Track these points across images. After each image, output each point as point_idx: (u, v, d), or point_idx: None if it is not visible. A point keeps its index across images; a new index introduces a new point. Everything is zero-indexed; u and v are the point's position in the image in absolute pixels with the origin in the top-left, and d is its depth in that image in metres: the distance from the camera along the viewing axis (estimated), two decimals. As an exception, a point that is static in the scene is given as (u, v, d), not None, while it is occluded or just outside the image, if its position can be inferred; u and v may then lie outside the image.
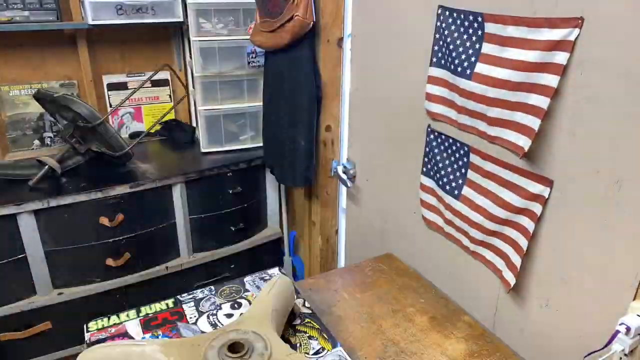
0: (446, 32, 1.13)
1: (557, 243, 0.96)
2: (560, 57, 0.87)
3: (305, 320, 1.06)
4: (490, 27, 1.00)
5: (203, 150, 2.09)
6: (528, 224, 1.01)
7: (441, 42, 1.15)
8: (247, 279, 1.20)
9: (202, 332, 1.01)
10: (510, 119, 0.98)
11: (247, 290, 1.16)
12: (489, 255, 1.14)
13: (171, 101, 2.32)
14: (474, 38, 1.04)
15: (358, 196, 1.71)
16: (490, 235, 1.11)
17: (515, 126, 0.98)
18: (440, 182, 1.24)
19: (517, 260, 1.04)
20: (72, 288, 1.83)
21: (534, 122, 0.93)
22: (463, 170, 1.17)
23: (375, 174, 1.59)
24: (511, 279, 1.05)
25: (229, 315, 1.07)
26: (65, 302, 1.82)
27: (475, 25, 1.04)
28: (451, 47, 1.11)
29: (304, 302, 1.12)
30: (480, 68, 1.03)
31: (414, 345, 1.05)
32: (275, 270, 1.23)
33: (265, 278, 1.21)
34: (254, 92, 2.06)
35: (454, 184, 1.20)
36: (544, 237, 0.99)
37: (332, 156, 1.79)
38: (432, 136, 1.26)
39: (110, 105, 2.21)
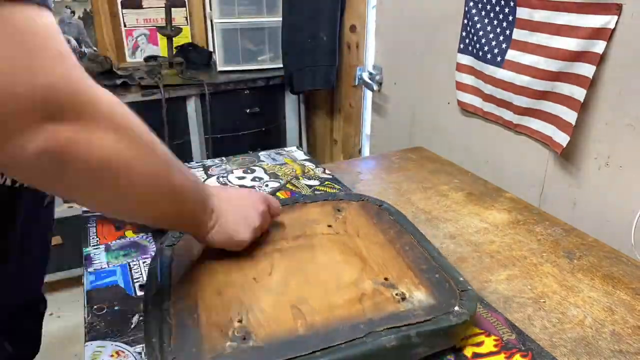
0: None
1: (623, 84, 0.82)
2: None
3: (325, 182, 0.94)
4: None
5: (219, 69, 1.98)
6: (587, 70, 0.86)
7: None
8: (262, 152, 1.09)
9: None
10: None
11: (261, 161, 1.05)
12: (535, 124, 1.01)
13: (187, 23, 2.21)
14: None
15: (384, 105, 1.57)
16: (539, 98, 0.97)
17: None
18: (481, 53, 1.10)
19: (571, 117, 0.90)
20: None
21: None
22: (507, 32, 1.03)
23: (404, 74, 1.46)
24: (564, 139, 0.92)
25: (241, 178, 0.96)
26: (76, 216, 1.75)
27: None
28: None
29: (324, 170, 1.00)
30: None
31: (448, 214, 0.92)
32: (293, 148, 1.12)
33: (282, 153, 1.09)
34: (273, 6, 1.94)
35: (496, 50, 1.06)
36: (606, 81, 0.84)
37: (357, 63, 1.66)
38: (471, 3, 1.12)
39: (125, 24, 2.12)
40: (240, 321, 0.53)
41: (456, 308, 0.55)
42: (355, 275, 0.61)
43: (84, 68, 0.42)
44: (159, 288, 0.58)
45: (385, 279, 0.60)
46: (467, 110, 1.21)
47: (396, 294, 0.57)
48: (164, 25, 1.89)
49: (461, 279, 0.60)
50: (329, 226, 0.72)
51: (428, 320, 0.54)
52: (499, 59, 1.05)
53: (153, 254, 0.67)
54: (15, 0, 0.37)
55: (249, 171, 0.99)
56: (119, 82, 1.76)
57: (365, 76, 1.59)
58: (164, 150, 0.49)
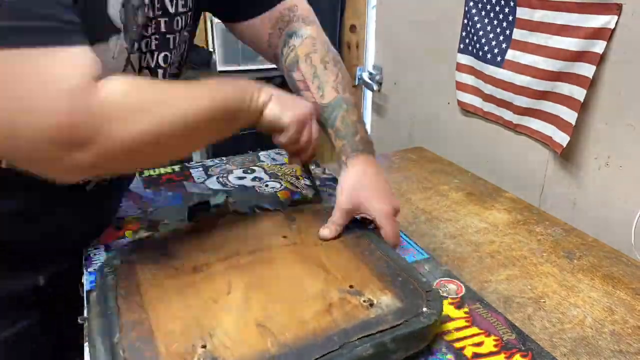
0: None
1: (623, 84, 0.82)
2: None
3: (325, 182, 0.94)
4: None
5: (219, 69, 1.98)
6: (587, 70, 0.86)
7: None
8: (262, 152, 1.09)
9: (210, 189, 0.91)
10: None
11: (261, 161, 1.05)
12: (535, 124, 1.01)
13: (188, 24, 2.21)
14: None
15: (384, 105, 1.58)
16: (539, 98, 0.97)
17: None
18: (481, 53, 1.10)
19: (571, 116, 0.90)
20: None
21: None
22: (507, 32, 1.03)
23: (404, 74, 1.46)
24: (564, 139, 0.92)
25: (241, 178, 0.96)
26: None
27: None
28: None
29: (324, 170, 1.00)
30: None
31: (448, 214, 0.92)
32: (292, 148, 1.12)
33: (282, 153, 1.09)
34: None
35: (496, 50, 1.06)
36: (606, 81, 0.85)
37: (357, 62, 1.66)
38: (471, 3, 1.12)
39: (125, 24, 2.11)
40: (204, 347, 0.49)
41: (424, 309, 0.55)
42: (320, 286, 0.58)
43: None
44: (106, 316, 0.53)
45: (350, 286, 0.58)
46: (467, 110, 1.21)
47: (364, 301, 0.56)
48: (164, 25, 1.89)
49: (424, 279, 0.60)
50: (284, 237, 0.68)
51: (400, 324, 0.52)
52: (499, 59, 1.05)
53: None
54: (18, 46, 0.42)
55: (249, 171, 0.99)
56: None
57: (365, 76, 1.59)
58: (179, 92, 0.55)
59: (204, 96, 0.57)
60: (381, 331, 0.51)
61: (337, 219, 0.69)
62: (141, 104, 0.50)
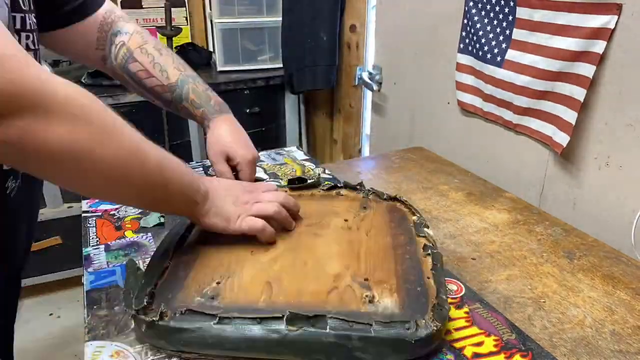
0: None
1: (623, 84, 0.82)
2: None
3: (325, 182, 0.94)
4: None
5: (219, 69, 1.98)
6: (587, 70, 0.86)
7: None
8: (262, 152, 1.09)
9: (210, 189, 0.91)
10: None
11: (261, 161, 1.05)
12: (535, 124, 1.01)
13: (187, 23, 2.21)
14: None
15: (384, 105, 1.57)
16: (539, 97, 0.97)
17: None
18: (481, 53, 1.10)
19: (571, 116, 0.90)
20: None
21: None
22: (507, 32, 1.03)
23: (404, 74, 1.46)
24: (564, 138, 0.92)
25: (241, 178, 0.95)
26: (75, 216, 1.75)
27: None
28: None
29: (324, 170, 1.00)
30: None
31: (448, 214, 0.92)
32: (293, 148, 1.12)
33: (282, 153, 1.09)
34: (273, 6, 1.94)
35: (496, 50, 1.06)
36: (606, 81, 0.84)
37: (357, 62, 1.66)
38: (471, 3, 1.12)
39: (125, 24, 2.11)
40: (218, 283, 0.58)
41: (413, 323, 0.51)
42: (338, 270, 0.61)
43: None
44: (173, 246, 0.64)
45: (366, 279, 0.59)
46: (467, 110, 1.21)
47: (365, 295, 0.56)
48: (164, 25, 1.89)
49: (443, 296, 0.56)
50: (346, 220, 0.74)
51: (380, 326, 0.50)
52: (499, 58, 1.05)
53: (152, 253, 0.66)
54: None
55: (249, 171, 0.99)
56: (118, 82, 1.76)
57: (365, 76, 1.59)
58: (132, 136, 0.53)
59: (166, 163, 0.58)
60: (352, 322, 0.50)
61: (215, 165, 0.79)
62: (90, 114, 0.48)
